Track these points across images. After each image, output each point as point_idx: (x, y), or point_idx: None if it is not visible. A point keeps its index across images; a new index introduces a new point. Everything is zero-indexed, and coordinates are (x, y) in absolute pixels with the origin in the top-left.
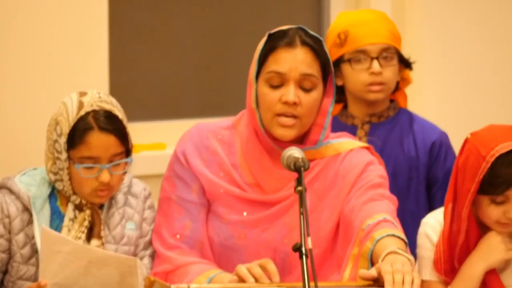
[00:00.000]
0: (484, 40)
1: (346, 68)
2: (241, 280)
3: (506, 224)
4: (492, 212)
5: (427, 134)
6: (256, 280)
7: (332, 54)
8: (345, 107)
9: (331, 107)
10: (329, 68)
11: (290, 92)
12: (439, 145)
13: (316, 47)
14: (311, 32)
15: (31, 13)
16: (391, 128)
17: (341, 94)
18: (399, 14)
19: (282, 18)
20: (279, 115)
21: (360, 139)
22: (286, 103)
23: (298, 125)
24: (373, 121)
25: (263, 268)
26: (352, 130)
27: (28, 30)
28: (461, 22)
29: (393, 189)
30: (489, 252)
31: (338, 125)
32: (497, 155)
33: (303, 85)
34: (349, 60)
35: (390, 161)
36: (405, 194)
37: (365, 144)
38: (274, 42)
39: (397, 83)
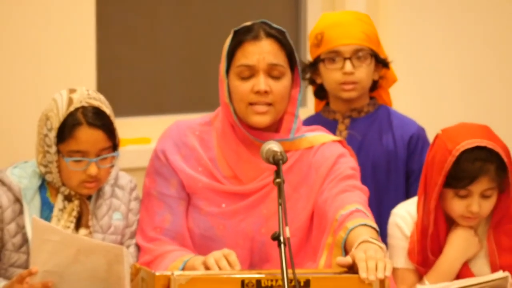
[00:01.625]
0: (455, 38)
1: (322, 67)
2: (207, 269)
3: (469, 218)
4: (456, 205)
5: (405, 128)
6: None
7: (312, 54)
8: (327, 104)
9: (299, 95)
10: (294, 58)
11: (261, 82)
12: (417, 139)
13: (280, 38)
14: (275, 25)
15: (23, 14)
16: (370, 123)
17: (323, 92)
18: (374, 14)
19: (261, 18)
20: (252, 104)
21: (340, 133)
22: (258, 92)
23: (272, 111)
24: (353, 116)
25: (226, 259)
26: (333, 125)
27: (19, 30)
28: (434, 21)
29: (373, 181)
30: (467, 247)
31: (321, 120)
32: (462, 150)
33: (272, 74)
34: (324, 60)
35: (370, 154)
36: (385, 187)
37: (338, 138)
38: (240, 37)
39: (377, 81)
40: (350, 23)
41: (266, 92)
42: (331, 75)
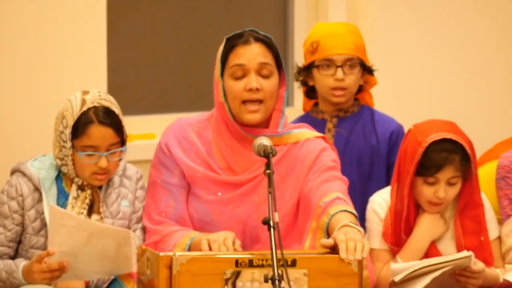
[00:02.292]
0: (426, 44)
1: (316, 72)
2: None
3: (436, 204)
4: (425, 191)
5: (386, 126)
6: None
7: (306, 59)
8: (316, 104)
9: (286, 94)
10: (280, 60)
11: (253, 80)
12: (396, 135)
13: (268, 41)
14: (262, 32)
15: (42, 25)
16: (355, 121)
17: (313, 92)
18: (352, 22)
19: (252, 27)
20: (245, 102)
21: (329, 130)
22: (250, 90)
23: (262, 109)
24: (340, 116)
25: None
26: (322, 123)
27: (38, 38)
28: (406, 27)
29: (358, 173)
30: (433, 228)
31: (311, 120)
32: (430, 141)
33: (262, 73)
34: (318, 66)
35: (355, 149)
36: (368, 178)
37: (320, 134)
38: (232, 42)
39: (361, 85)
40: (343, 34)
41: (257, 90)
42: (324, 80)
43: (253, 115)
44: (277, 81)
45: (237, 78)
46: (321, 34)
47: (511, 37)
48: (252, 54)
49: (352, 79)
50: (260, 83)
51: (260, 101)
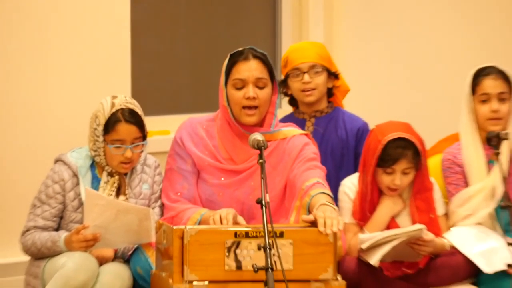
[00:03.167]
0: (388, 59)
1: (289, 81)
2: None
3: (393, 189)
4: (384, 179)
5: (354, 123)
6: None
7: (282, 73)
8: (298, 107)
9: (277, 100)
10: (273, 73)
11: (250, 91)
12: (362, 131)
13: (263, 59)
14: (259, 50)
15: (82, 41)
16: (329, 120)
17: (293, 100)
18: (329, 41)
19: (249, 43)
20: (244, 107)
21: (308, 128)
22: (248, 98)
23: (258, 113)
24: (317, 116)
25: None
26: (303, 122)
27: (81, 55)
28: (374, 45)
29: (332, 162)
30: (393, 206)
31: (294, 119)
32: (388, 139)
33: (258, 84)
34: (289, 76)
35: (329, 143)
36: (340, 166)
37: (304, 131)
38: (235, 59)
39: (331, 89)
40: (307, 47)
41: (254, 98)
42: (295, 86)
43: (250, 118)
44: (270, 90)
45: (238, 88)
46: (290, 51)
47: (458, 53)
48: (250, 70)
49: (318, 81)
50: (256, 93)
51: (256, 107)
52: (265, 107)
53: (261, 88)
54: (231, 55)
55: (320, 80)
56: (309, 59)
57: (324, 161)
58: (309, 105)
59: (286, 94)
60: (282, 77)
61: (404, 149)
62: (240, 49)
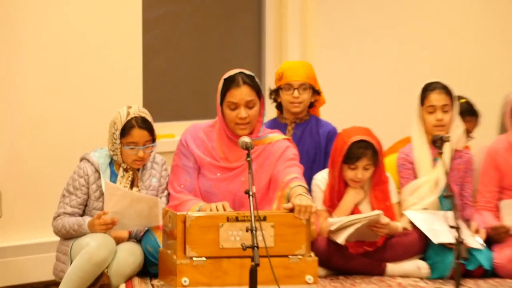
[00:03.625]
0: (356, 74)
1: (281, 92)
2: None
3: (356, 182)
4: (349, 174)
5: (324, 128)
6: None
7: (275, 84)
8: (282, 112)
9: (264, 112)
10: (261, 92)
11: (242, 112)
12: (332, 134)
13: (252, 84)
14: (248, 73)
15: (98, 62)
16: (306, 126)
17: (281, 106)
18: (304, 57)
19: (239, 61)
20: (237, 123)
21: (288, 131)
22: (240, 118)
23: (249, 126)
24: (296, 122)
25: (223, 208)
26: (285, 126)
27: (103, 72)
28: (341, 62)
29: (308, 161)
30: (356, 195)
31: (277, 123)
32: (352, 141)
33: (248, 105)
34: (282, 88)
35: (305, 144)
36: (314, 163)
37: (286, 136)
38: (228, 85)
39: (313, 103)
40: (299, 68)
41: (245, 118)
42: (286, 98)
43: (243, 131)
44: (259, 106)
45: (232, 109)
46: (285, 68)
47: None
48: (241, 94)
49: (305, 97)
50: (247, 113)
51: (247, 123)
52: (254, 121)
53: (250, 108)
54: (225, 80)
55: (307, 96)
56: (300, 78)
57: (301, 159)
58: (293, 113)
59: (275, 101)
60: (275, 86)
61: (365, 149)
62: (232, 73)
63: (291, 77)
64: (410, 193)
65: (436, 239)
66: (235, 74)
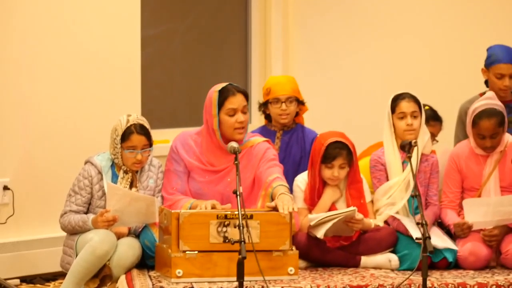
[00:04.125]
0: (333, 86)
1: (270, 106)
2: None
3: (333, 180)
4: (327, 173)
5: (310, 135)
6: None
7: (264, 97)
8: (270, 121)
9: (249, 119)
10: (248, 102)
11: (241, 117)
12: (315, 140)
13: (243, 92)
14: (235, 84)
15: (100, 75)
16: (293, 133)
17: (269, 116)
18: (286, 72)
19: (228, 75)
20: (236, 128)
21: (278, 138)
22: (240, 122)
23: (244, 130)
24: (284, 129)
25: (213, 206)
26: (274, 133)
27: (99, 86)
28: (319, 75)
29: (294, 164)
30: (333, 194)
31: (267, 130)
32: (328, 142)
33: (244, 111)
34: (271, 102)
35: (292, 150)
36: (298, 167)
37: (266, 139)
38: (225, 94)
39: (298, 112)
40: (285, 83)
41: (243, 121)
42: (274, 111)
43: (240, 135)
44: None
45: (231, 115)
46: (272, 83)
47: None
48: (239, 101)
49: (291, 109)
50: (244, 117)
51: (243, 127)
52: (247, 125)
53: (245, 113)
54: (219, 92)
55: (293, 107)
56: (286, 93)
57: (287, 162)
58: (282, 123)
59: (264, 113)
60: (263, 100)
61: (340, 149)
62: (223, 85)
63: (278, 92)
64: (382, 194)
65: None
66: (226, 85)
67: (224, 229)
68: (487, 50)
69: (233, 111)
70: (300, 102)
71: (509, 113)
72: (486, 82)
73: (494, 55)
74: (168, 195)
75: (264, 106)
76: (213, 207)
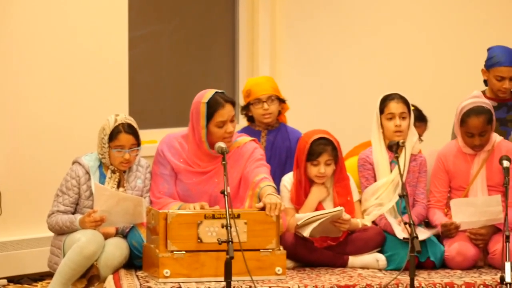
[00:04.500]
0: (318, 86)
1: (251, 107)
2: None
3: (320, 177)
4: (312, 170)
5: (294, 134)
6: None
7: (244, 100)
8: (253, 122)
9: (236, 126)
10: (235, 109)
11: (230, 127)
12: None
13: (231, 101)
14: (220, 91)
15: (88, 76)
16: (277, 132)
17: (252, 118)
18: (273, 74)
19: (215, 77)
20: (225, 138)
21: (263, 137)
22: (229, 133)
23: (232, 138)
24: (268, 129)
25: (202, 207)
26: (258, 133)
27: (88, 87)
28: (306, 76)
29: (279, 164)
30: (320, 194)
31: (252, 131)
32: (312, 139)
33: (231, 120)
34: (252, 104)
35: (277, 149)
36: (284, 166)
37: (252, 138)
38: (214, 107)
39: (280, 111)
40: (264, 82)
41: (232, 132)
42: (257, 111)
43: (229, 143)
44: (235, 122)
45: (220, 127)
46: (251, 85)
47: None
48: (228, 112)
49: (273, 108)
50: (232, 126)
51: (231, 136)
52: (233, 133)
53: (232, 122)
54: (207, 104)
55: (275, 106)
56: (267, 92)
57: (273, 161)
58: (265, 123)
59: (247, 115)
60: (244, 103)
61: (325, 145)
62: (209, 95)
63: (259, 92)
64: (371, 194)
65: (400, 235)
66: (214, 96)
67: (212, 228)
68: (488, 50)
69: (222, 123)
70: (281, 101)
71: (508, 111)
72: (485, 82)
73: (495, 57)
74: (155, 199)
75: (246, 109)
76: (202, 208)
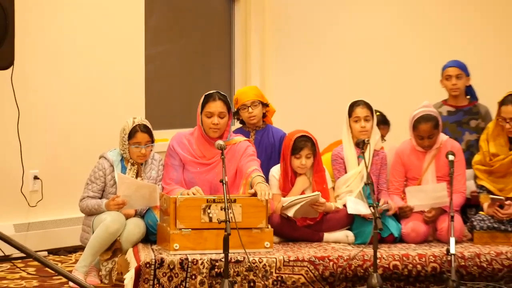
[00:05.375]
0: (301, 93)
1: (240, 112)
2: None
3: (302, 168)
4: (296, 162)
5: (278, 134)
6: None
7: (235, 107)
8: (244, 124)
9: (231, 122)
10: (230, 108)
11: (215, 120)
12: (283, 138)
13: (224, 100)
14: (222, 93)
15: (108, 86)
16: (263, 132)
17: (242, 121)
18: (263, 82)
19: (215, 86)
20: (211, 128)
21: (251, 136)
22: (214, 124)
23: (219, 131)
24: (256, 129)
25: (197, 191)
26: (248, 133)
27: (109, 94)
28: (292, 83)
29: (266, 159)
30: (303, 182)
31: (243, 131)
32: (295, 136)
33: (220, 115)
34: (240, 109)
35: (263, 146)
36: (269, 160)
37: (246, 138)
38: (207, 99)
39: (265, 113)
40: (247, 91)
41: (217, 124)
42: (244, 115)
43: (214, 134)
44: (227, 118)
45: (208, 117)
46: (238, 94)
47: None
48: (216, 107)
49: (257, 111)
50: (218, 121)
51: (218, 128)
52: (223, 128)
53: (222, 118)
54: (205, 96)
55: (258, 110)
56: (250, 98)
57: (261, 156)
58: (252, 124)
59: (238, 119)
60: (235, 109)
61: (305, 142)
62: (211, 91)
63: (244, 99)
64: (343, 183)
65: (352, 211)
66: (213, 92)
67: (213, 211)
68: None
69: (210, 114)
70: (264, 105)
71: (464, 115)
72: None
73: (444, 65)
74: (166, 185)
75: (237, 114)
76: (197, 192)
